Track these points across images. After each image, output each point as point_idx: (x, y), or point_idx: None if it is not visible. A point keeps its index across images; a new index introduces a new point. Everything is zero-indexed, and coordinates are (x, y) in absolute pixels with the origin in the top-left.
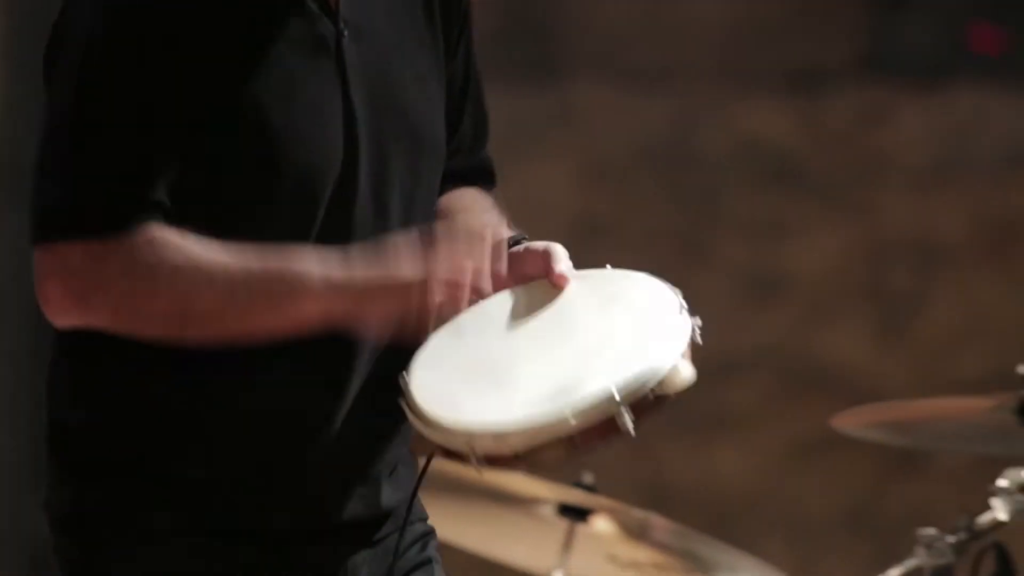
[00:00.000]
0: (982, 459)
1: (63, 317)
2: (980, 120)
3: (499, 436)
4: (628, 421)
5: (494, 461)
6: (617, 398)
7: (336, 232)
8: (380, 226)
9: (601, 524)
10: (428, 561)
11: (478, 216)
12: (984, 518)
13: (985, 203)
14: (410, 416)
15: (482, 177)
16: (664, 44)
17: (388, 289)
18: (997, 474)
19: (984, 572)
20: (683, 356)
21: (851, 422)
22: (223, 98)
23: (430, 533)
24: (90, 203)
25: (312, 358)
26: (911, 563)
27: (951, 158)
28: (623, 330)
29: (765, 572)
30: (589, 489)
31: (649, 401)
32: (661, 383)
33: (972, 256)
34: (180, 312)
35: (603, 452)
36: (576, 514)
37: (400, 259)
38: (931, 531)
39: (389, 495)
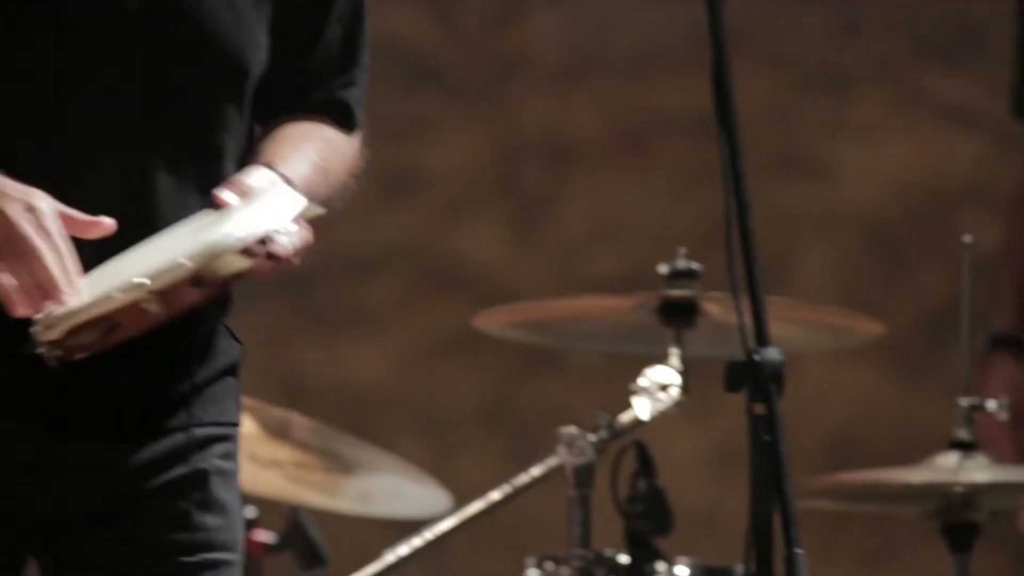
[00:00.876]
0: (622, 358)
1: None
2: (613, 19)
3: (48, 321)
4: (154, 304)
5: (57, 346)
6: (146, 282)
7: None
8: (105, 111)
9: (243, 423)
10: (203, 473)
11: (272, 155)
12: (625, 417)
13: (618, 102)
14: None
15: (334, 114)
16: None
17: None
18: (637, 373)
19: (624, 470)
20: (245, 250)
21: (490, 321)
22: None
23: (218, 439)
24: None
25: None
26: (552, 461)
27: (585, 57)
28: (201, 231)
29: (404, 469)
30: None
31: (183, 285)
32: (195, 269)
33: (606, 155)
34: None
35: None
36: None
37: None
38: (572, 430)
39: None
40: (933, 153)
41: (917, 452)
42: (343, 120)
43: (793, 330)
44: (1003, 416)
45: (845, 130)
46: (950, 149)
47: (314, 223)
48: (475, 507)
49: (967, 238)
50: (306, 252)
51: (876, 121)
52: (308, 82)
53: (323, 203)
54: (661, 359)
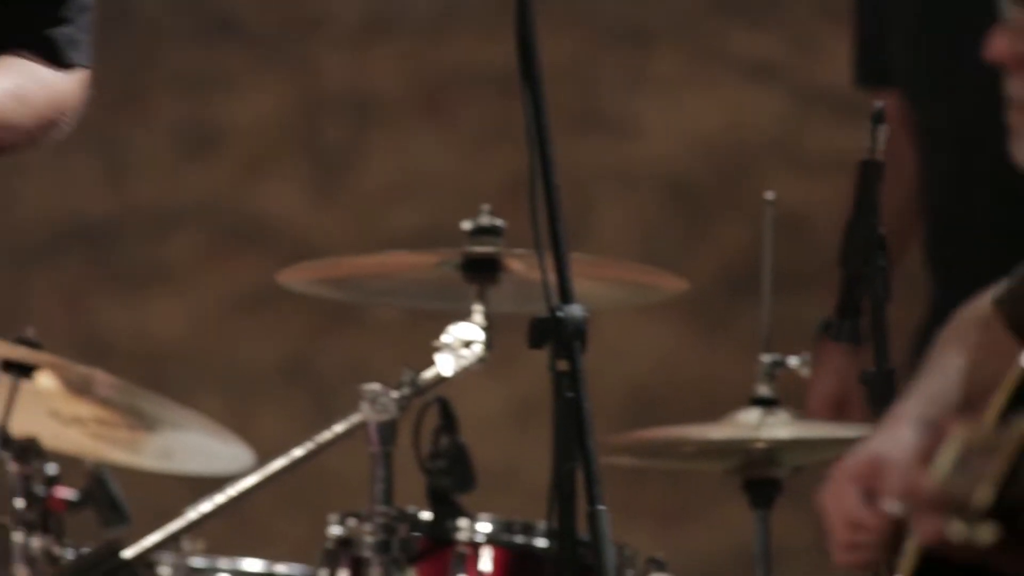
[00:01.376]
0: (425, 314)
1: None
2: None
3: None
4: None
5: None
6: None
7: None
8: None
9: (44, 380)
10: None
11: None
12: (427, 373)
13: (419, 59)
14: None
15: (42, 52)
16: None
17: None
18: (440, 329)
19: (427, 427)
20: None
21: (292, 277)
22: None
23: None
24: None
25: None
26: (354, 418)
27: (386, 13)
28: None
29: (206, 426)
30: (33, 345)
31: None
32: None
33: (407, 111)
34: None
35: (43, 307)
36: (20, 370)
37: None
38: (374, 386)
39: None
40: (734, 109)
41: (719, 408)
42: (51, 57)
43: (595, 286)
44: (805, 372)
45: (646, 86)
46: (751, 105)
47: (110, 178)
48: (277, 464)
49: (769, 195)
50: None
51: (677, 77)
52: (12, 21)
53: (24, 133)
54: (464, 315)
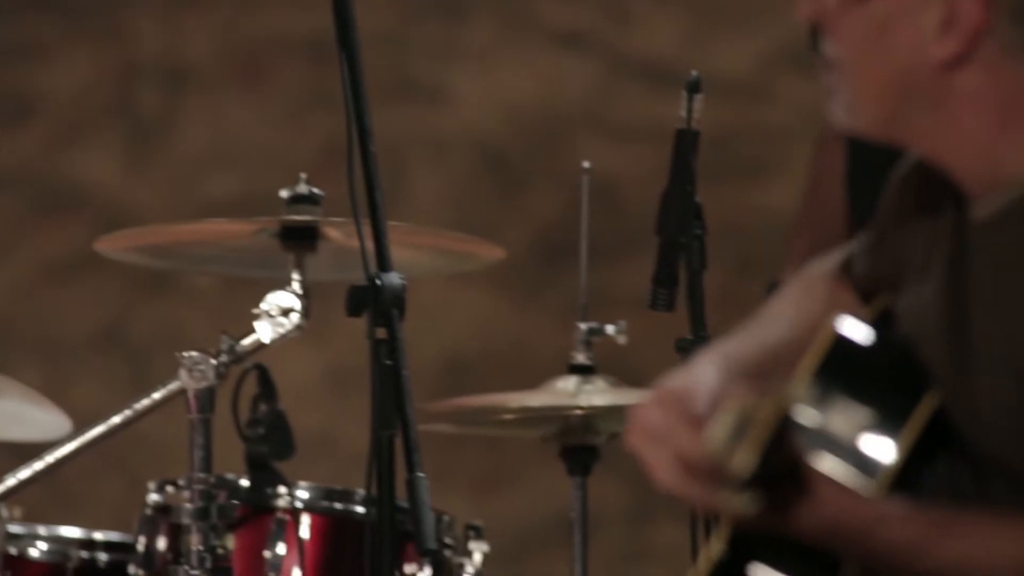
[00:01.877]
0: (243, 282)
1: None
2: None
3: None
4: None
5: None
6: None
7: None
8: None
9: None
10: None
11: None
12: (246, 341)
13: (234, 26)
14: None
15: None
16: None
17: None
18: (258, 297)
19: (245, 394)
20: None
21: (109, 245)
22: None
23: None
24: None
25: None
26: (173, 385)
27: None
28: None
29: (23, 393)
30: None
31: None
32: None
33: (222, 79)
34: None
35: None
36: None
37: None
38: (193, 354)
39: None
40: (547, 78)
41: (536, 376)
42: None
43: (412, 255)
44: (621, 340)
45: (459, 55)
46: (564, 74)
47: None
48: (95, 431)
49: (585, 163)
50: None
51: (490, 46)
52: None
53: None
54: (282, 283)
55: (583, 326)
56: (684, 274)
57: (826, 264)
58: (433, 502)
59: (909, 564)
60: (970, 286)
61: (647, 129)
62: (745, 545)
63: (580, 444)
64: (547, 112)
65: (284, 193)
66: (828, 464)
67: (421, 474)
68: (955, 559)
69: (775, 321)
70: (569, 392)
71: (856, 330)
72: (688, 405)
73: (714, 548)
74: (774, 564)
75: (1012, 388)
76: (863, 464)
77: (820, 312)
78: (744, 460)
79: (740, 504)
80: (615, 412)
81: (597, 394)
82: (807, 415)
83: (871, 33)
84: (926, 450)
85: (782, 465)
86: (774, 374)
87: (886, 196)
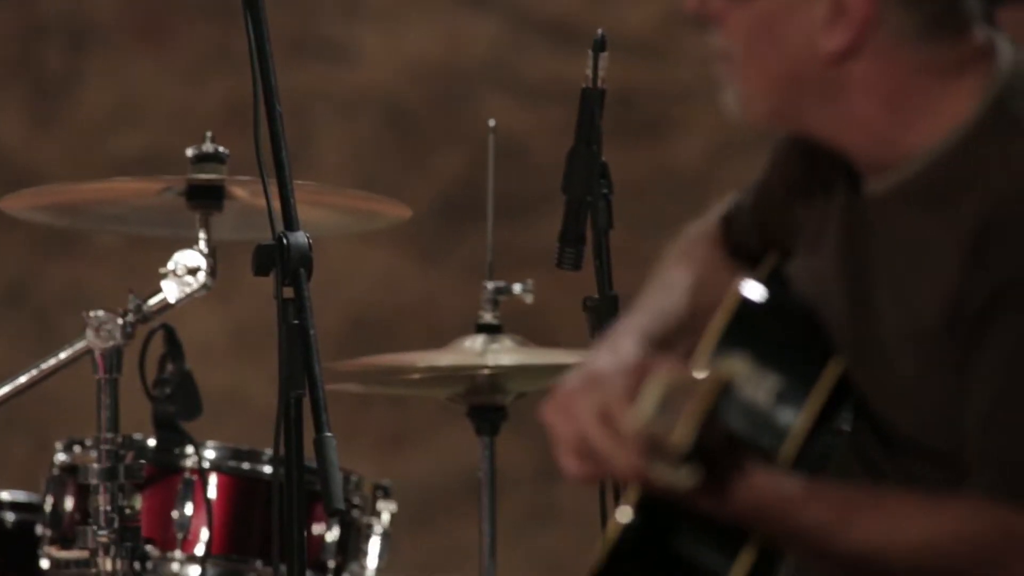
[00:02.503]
0: (149, 241)
1: None
2: None
3: None
4: None
5: None
6: None
7: None
8: None
9: None
10: None
11: None
12: (152, 300)
13: None
14: None
15: None
16: None
17: None
18: (165, 257)
19: (152, 354)
20: None
21: (13, 204)
22: None
23: None
24: None
25: None
26: (80, 345)
27: None
28: None
29: None
30: None
31: None
32: None
33: (125, 37)
34: None
35: None
36: None
37: None
38: (99, 313)
39: None
40: (451, 36)
41: (443, 335)
42: None
43: (318, 214)
44: (528, 299)
45: (363, 13)
46: (468, 32)
47: None
48: (2, 390)
49: (491, 122)
50: None
51: (393, 4)
52: None
53: None
54: (189, 243)
55: (490, 285)
56: (591, 233)
57: (706, 223)
58: (341, 462)
59: (825, 545)
60: (870, 260)
61: (553, 88)
62: (654, 512)
63: (488, 404)
64: (452, 70)
65: (189, 152)
66: (739, 430)
67: (329, 434)
68: (866, 540)
69: (671, 289)
70: (476, 351)
71: (759, 294)
72: (614, 383)
73: (622, 514)
74: (683, 533)
75: (912, 358)
76: (772, 431)
77: (710, 275)
78: (682, 434)
79: (677, 478)
80: (522, 372)
81: (504, 353)
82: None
83: (759, 28)
84: (832, 417)
85: (717, 440)
86: (680, 343)
87: (776, 158)
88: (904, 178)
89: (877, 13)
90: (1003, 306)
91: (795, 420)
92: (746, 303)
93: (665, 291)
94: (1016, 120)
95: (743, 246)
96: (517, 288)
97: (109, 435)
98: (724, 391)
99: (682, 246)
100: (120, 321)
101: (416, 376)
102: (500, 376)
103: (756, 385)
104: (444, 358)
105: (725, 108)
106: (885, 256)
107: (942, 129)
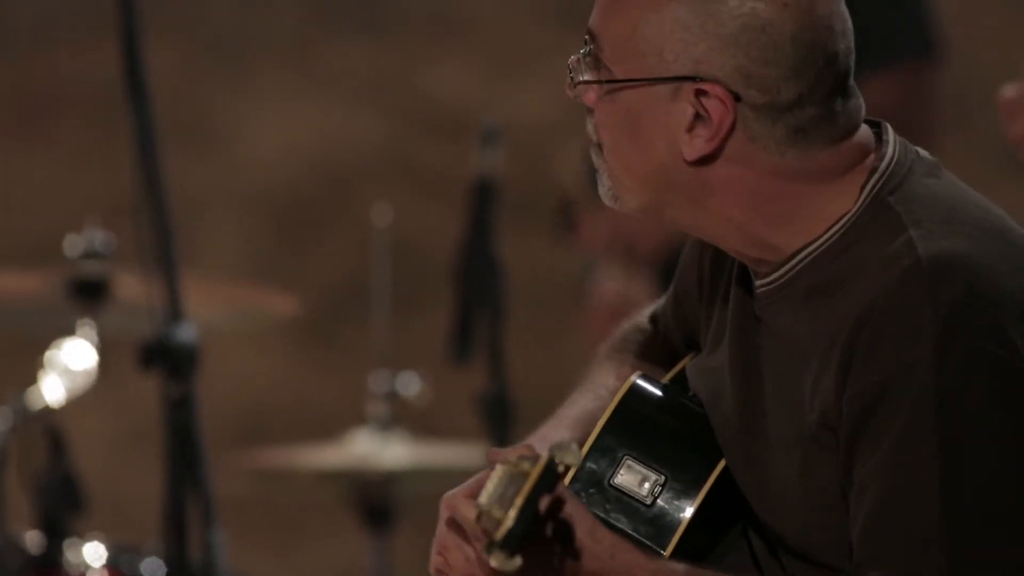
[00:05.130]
0: (31, 336)
1: None
2: None
3: None
4: None
5: None
6: None
7: None
8: None
9: None
10: None
11: None
12: (35, 397)
13: (19, 76)
14: None
15: None
16: None
17: None
18: (46, 351)
19: (36, 451)
20: None
21: None
22: None
23: None
24: None
25: None
26: None
27: None
28: None
29: None
30: None
31: None
32: None
33: (7, 129)
34: None
35: None
36: None
37: None
38: None
39: None
40: (340, 125)
41: (332, 430)
42: None
43: (205, 307)
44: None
45: (252, 103)
46: (358, 121)
47: None
48: None
49: (380, 213)
50: None
51: (282, 92)
52: None
53: None
54: (72, 336)
55: (378, 379)
56: (481, 325)
57: (639, 321)
58: (230, 560)
59: None
60: (759, 359)
61: (443, 178)
62: None
63: (379, 501)
64: (340, 160)
65: (72, 246)
66: (615, 522)
67: (217, 532)
68: None
69: (593, 389)
70: (365, 449)
71: (648, 388)
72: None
73: None
74: None
75: (795, 460)
76: (651, 524)
77: (627, 374)
78: (503, 518)
79: (498, 563)
80: (414, 470)
81: (393, 449)
82: (591, 469)
83: (625, 127)
84: (716, 514)
85: (545, 520)
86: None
87: (688, 253)
88: (785, 277)
89: (737, 121)
90: (880, 404)
91: (675, 515)
92: (633, 397)
93: (588, 392)
94: (893, 218)
95: (669, 343)
96: (405, 382)
97: None
98: (547, 479)
99: (613, 344)
100: (2, 418)
101: (304, 475)
102: (390, 474)
103: (632, 476)
104: (333, 456)
105: (600, 198)
106: (771, 355)
107: (821, 229)
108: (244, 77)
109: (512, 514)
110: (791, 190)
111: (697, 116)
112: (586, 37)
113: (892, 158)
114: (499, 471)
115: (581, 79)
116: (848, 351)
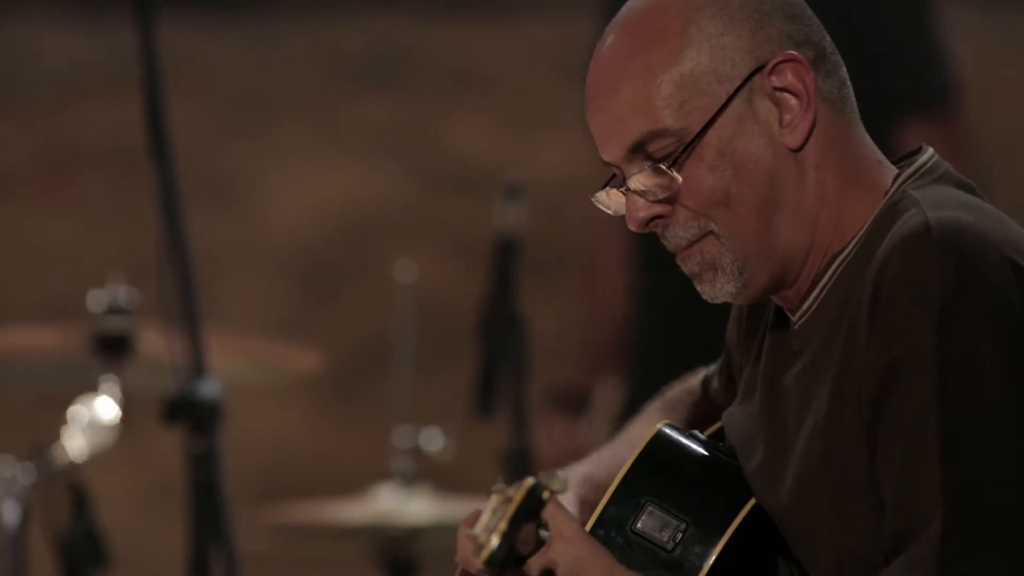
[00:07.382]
0: (54, 392)
1: None
2: (31, 49)
3: None
4: None
5: None
6: None
7: None
8: None
9: None
10: None
11: None
12: (59, 452)
13: (41, 129)
14: None
15: None
16: None
17: None
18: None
19: (60, 507)
20: None
21: None
22: None
23: None
24: None
25: None
26: None
27: (5, 88)
28: None
29: None
30: None
31: None
32: None
33: (29, 185)
34: None
35: None
36: None
37: None
38: (6, 466)
39: None
40: (363, 182)
41: (355, 486)
42: None
43: (228, 363)
44: (439, 448)
45: (274, 160)
46: (380, 178)
47: None
48: None
49: (403, 270)
50: None
51: (304, 150)
52: None
53: None
54: (96, 393)
55: (401, 434)
56: (504, 381)
57: (687, 383)
58: None
59: None
60: (790, 399)
61: (465, 235)
62: None
63: (402, 557)
64: (363, 217)
65: (96, 302)
66: (636, 567)
67: None
68: None
69: (626, 440)
70: (389, 504)
71: (674, 436)
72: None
73: None
74: None
75: (824, 484)
76: (672, 569)
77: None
78: (488, 542)
79: None
80: (437, 525)
81: (417, 505)
82: (613, 513)
83: (726, 167)
84: (741, 560)
85: (528, 545)
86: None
87: (730, 321)
88: (819, 299)
89: (813, 83)
90: (890, 386)
91: (696, 563)
92: (659, 442)
93: (623, 443)
94: (909, 202)
95: (715, 405)
96: (427, 437)
97: None
98: (529, 503)
99: (658, 402)
100: (27, 474)
101: (329, 529)
102: (414, 529)
103: (654, 521)
104: (357, 511)
105: (719, 297)
106: (803, 383)
107: (852, 232)
108: (266, 133)
109: (495, 538)
110: (858, 153)
111: (779, 99)
112: (626, 157)
113: (924, 164)
114: (492, 500)
115: (662, 169)
116: (870, 321)
